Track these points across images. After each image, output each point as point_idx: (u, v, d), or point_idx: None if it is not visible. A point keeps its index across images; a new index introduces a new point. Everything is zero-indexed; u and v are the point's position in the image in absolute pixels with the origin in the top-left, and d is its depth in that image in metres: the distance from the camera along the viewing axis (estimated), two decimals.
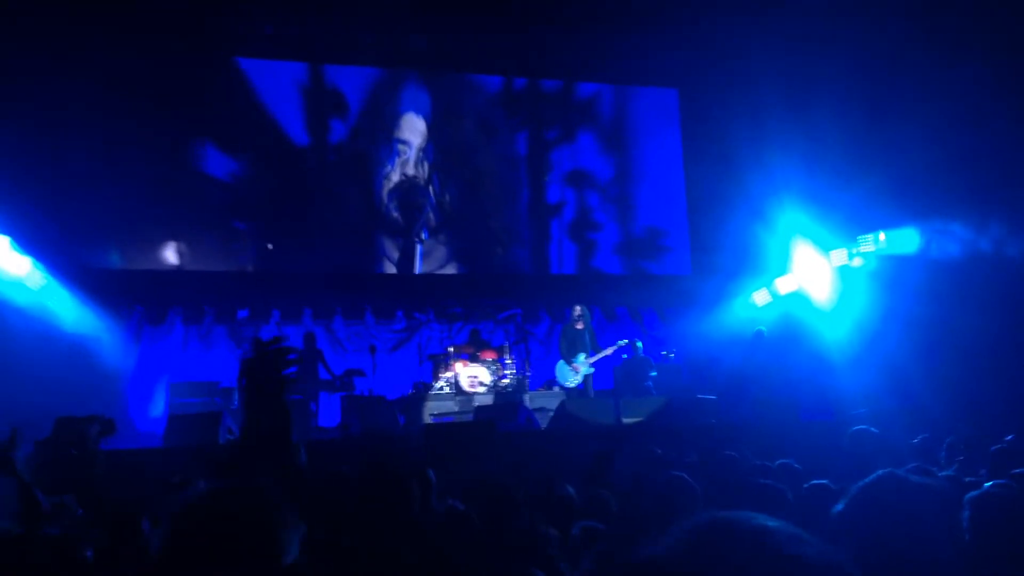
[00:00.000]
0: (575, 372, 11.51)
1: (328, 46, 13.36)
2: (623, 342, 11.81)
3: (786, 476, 4.57)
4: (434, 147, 13.85)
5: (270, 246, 12.97)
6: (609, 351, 11.52)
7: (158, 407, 11.83)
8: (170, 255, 12.49)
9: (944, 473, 3.72)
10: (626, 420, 9.82)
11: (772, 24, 11.91)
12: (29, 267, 10.66)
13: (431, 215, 13.63)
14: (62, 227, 11.35)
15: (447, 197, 13.79)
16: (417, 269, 13.43)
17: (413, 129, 13.82)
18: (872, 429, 5.58)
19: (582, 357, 11.51)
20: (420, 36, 13.42)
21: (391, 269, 13.45)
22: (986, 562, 1.97)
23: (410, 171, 13.70)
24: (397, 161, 13.67)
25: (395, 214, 13.51)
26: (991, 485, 2.83)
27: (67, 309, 11.22)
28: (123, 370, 11.91)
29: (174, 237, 12.51)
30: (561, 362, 11.71)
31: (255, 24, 12.94)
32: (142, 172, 12.12)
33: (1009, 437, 5.99)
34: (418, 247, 13.33)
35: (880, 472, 1.83)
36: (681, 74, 14.76)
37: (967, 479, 4.04)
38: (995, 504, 2.21)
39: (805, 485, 3.87)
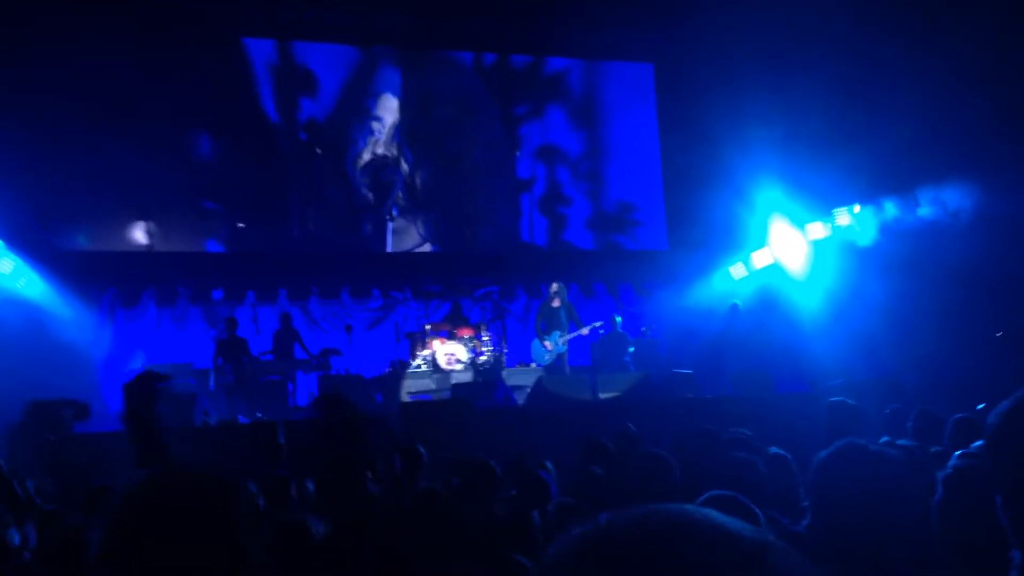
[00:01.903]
0: (546, 350, 11.56)
1: (299, 24, 13.19)
2: (597, 324, 11.77)
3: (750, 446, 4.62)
4: (405, 125, 13.75)
5: (241, 225, 12.88)
6: (584, 331, 11.51)
7: None
8: (139, 235, 12.35)
9: (909, 443, 3.75)
10: (603, 396, 9.84)
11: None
12: None
13: (400, 193, 13.56)
14: (30, 209, 11.20)
15: (418, 175, 13.72)
16: (388, 247, 13.35)
17: (384, 107, 13.71)
18: (849, 401, 5.61)
19: (556, 335, 11.53)
20: (392, 14, 13.26)
21: (363, 248, 13.38)
22: (950, 530, 1.99)
23: (381, 149, 13.61)
24: (369, 139, 13.57)
25: (366, 192, 13.44)
26: (960, 455, 2.85)
27: (38, 292, 11.08)
28: (97, 352, 11.78)
29: (143, 217, 12.37)
30: (535, 340, 11.75)
31: (227, 3, 12.74)
32: (110, 152, 11.95)
33: (980, 406, 6.05)
34: (388, 225, 13.23)
35: (842, 442, 1.84)
36: (657, 49, 14.71)
37: (932, 449, 4.08)
38: (966, 475, 2.23)
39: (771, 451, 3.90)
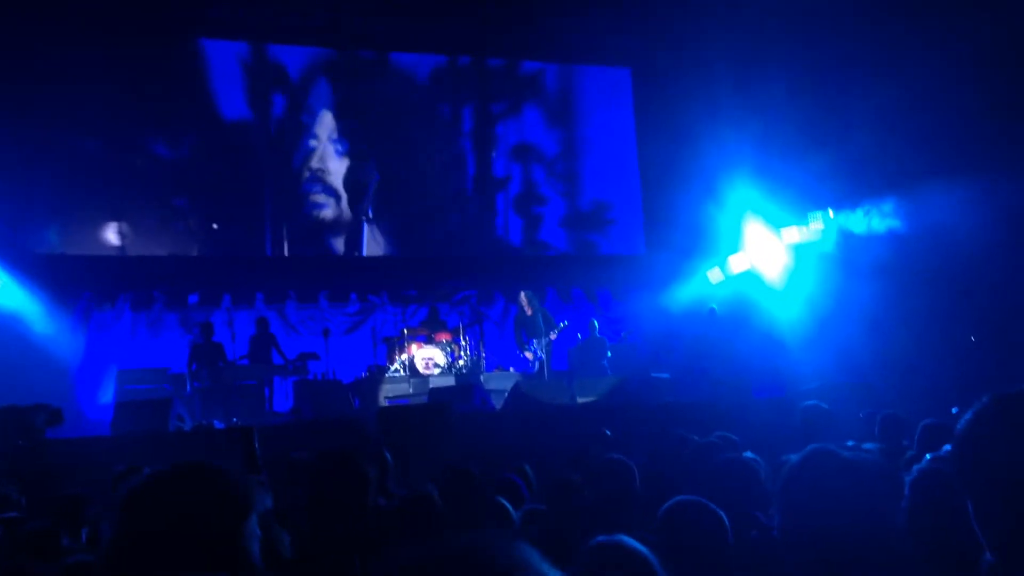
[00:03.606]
0: (527, 359, 11.62)
1: (274, 26, 13.11)
2: (563, 324, 11.85)
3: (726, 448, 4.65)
4: (378, 125, 13.70)
5: (215, 226, 12.81)
6: (552, 335, 11.62)
7: (107, 395, 11.61)
8: (111, 237, 12.24)
9: (876, 446, 3.78)
10: (580, 400, 9.86)
11: (726, 4, 11.94)
12: None
13: (375, 194, 13.53)
14: (1, 211, 11.07)
15: (393, 175, 13.69)
16: (363, 248, 13.31)
17: (357, 107, 13.69)
18: (822, 404, 5.65)
19: (534, 342, 11.61)
20: (366, 15, 13.21)
21: (339, 250, 13.35)
22: (918, 534, 2.01)
23: (355, 150, 13.57)
24: (342, 140, 13.53)
25: (341, 194, 13.41)
26: (931, 458, 2.88)
27: (10, 295, 10.95)
28: (70, 357, 11.65)
29: (115, 218, 12.25)
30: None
31: (200, 4, 12.66)
32: (81, 153, 11.87)
33: (954, 410, 6.10)
34: (363, 226, 13.18)
35: (812, 447, 1.85)
36: (635, 53, 14.76)
37: (909, 453, 4.10)
38: (933, 479, 2.24)
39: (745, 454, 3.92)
